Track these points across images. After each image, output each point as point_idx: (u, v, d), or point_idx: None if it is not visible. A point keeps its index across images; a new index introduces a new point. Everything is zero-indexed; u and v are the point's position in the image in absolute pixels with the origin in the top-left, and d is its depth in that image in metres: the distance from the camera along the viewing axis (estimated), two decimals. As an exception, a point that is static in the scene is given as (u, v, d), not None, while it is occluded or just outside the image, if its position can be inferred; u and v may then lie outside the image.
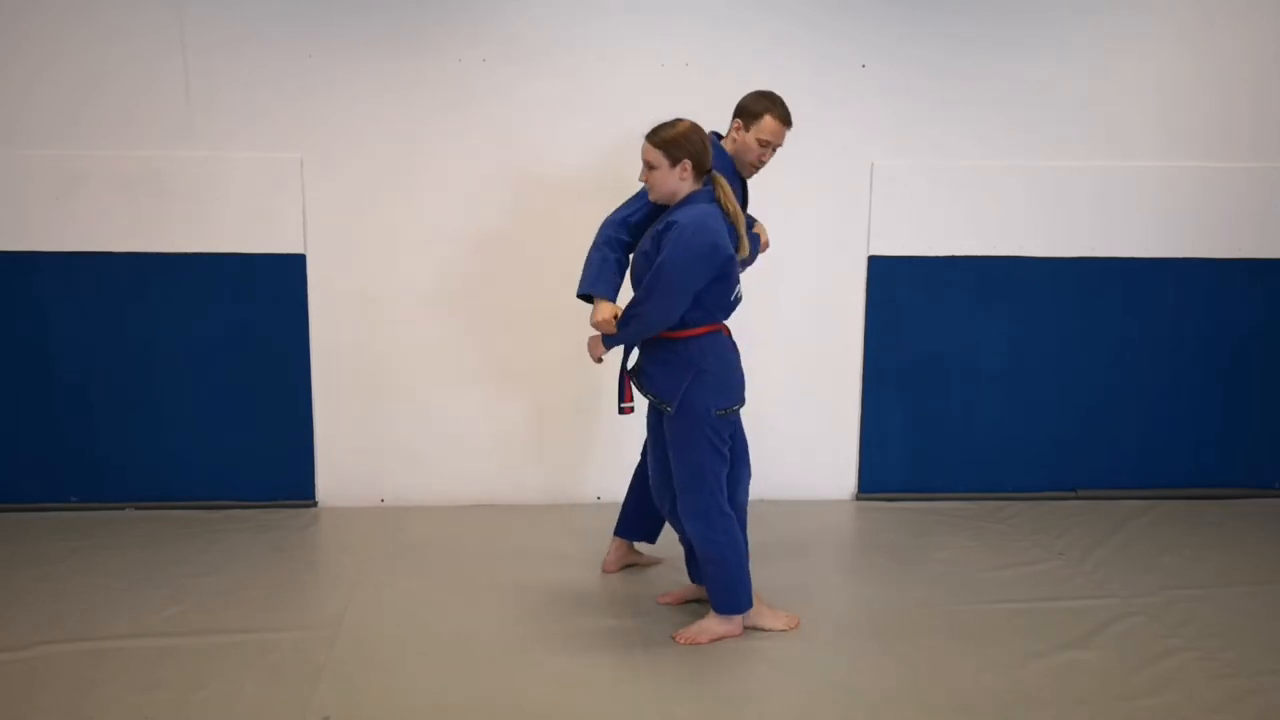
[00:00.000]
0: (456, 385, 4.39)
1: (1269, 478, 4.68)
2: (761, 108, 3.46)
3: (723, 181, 3.12)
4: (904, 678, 3.03)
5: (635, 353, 3.27)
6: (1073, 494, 4.61)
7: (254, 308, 4.26)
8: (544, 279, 4.31)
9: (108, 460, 4.30)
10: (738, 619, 3.25)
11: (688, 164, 3.04)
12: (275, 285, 4.25)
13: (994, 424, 4.56)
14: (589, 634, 3.29)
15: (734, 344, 3.21)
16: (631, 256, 3.24)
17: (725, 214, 3.09)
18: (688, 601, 3.47)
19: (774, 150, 3.52)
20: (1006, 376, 4.53)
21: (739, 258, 3.13)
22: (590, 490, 4.44)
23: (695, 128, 3.06)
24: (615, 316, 3.15)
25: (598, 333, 3.24)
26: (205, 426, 4.31)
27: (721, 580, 3.19)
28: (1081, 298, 4.50)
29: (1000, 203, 4.41)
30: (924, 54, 4.29)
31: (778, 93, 3.51)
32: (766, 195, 4.09)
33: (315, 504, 4.40)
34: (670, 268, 2.97)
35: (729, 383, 3.15)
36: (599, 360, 3.31)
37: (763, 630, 3.29)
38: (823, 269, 4.42)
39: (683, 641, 3.21)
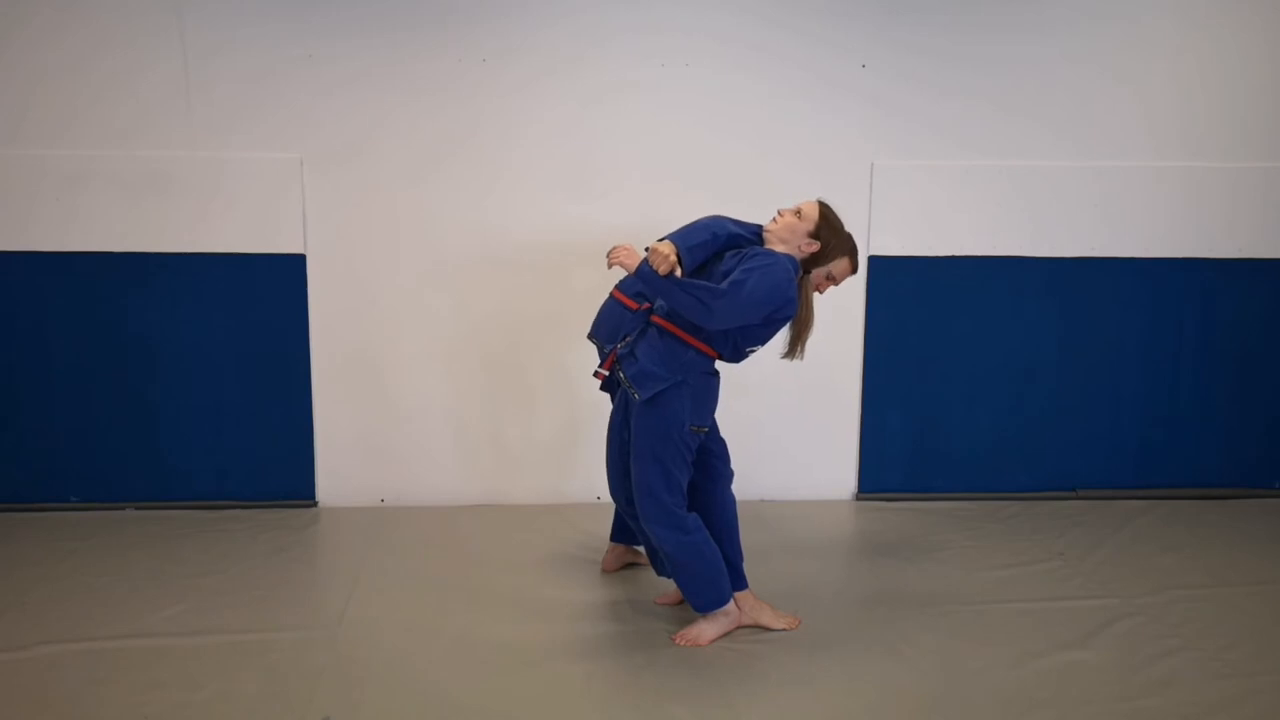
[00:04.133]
0: (456, 386, 4.39)
1: (1269, 478, 4.68)
2: (846, 249, 3.25)
3: (809, 287, 3.21)
4: (904, 678, 3.03)
5: (630, 338, 3.24)
6: (1073, 494, 4.61)
7: (254, 308, 4.26)
8: (545, 279, 4.31)
9: (108, 460, 4.31)
10: (731, 608, 3.26)
11: (816, 246, 3.16)
12: (275, 285, 4.26)
13: (994, 424, 4.56)
14: (588, 635, 3.29)
15: (719, 379, 3.23)
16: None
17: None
18: (683, 601, 3.46)
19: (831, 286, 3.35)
20: (1006, 376, 4.53)
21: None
22: (590, 490, 4.44)
23: (853, 249, 3.24)
24: (675, 255, 2.98)
25: (655, 252, 2.98)
26: (205, 426, 4.32)
27: (702, 578, 3.20)
28: (1081, 298, 4.50)
29: (1000, 203, 4.41)
30: (924, 54, 4.29)
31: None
32: (767, 196, 4.09)
33: (315, 504, 4.40)
34: (753, 285, 2.95)
35: (706, 405, 3.19)
36: (613, 263, 3.04)
37: (763, 630, 3.30)
38: (823, 269, 4.42)
39: (683, 643, 3.21)
